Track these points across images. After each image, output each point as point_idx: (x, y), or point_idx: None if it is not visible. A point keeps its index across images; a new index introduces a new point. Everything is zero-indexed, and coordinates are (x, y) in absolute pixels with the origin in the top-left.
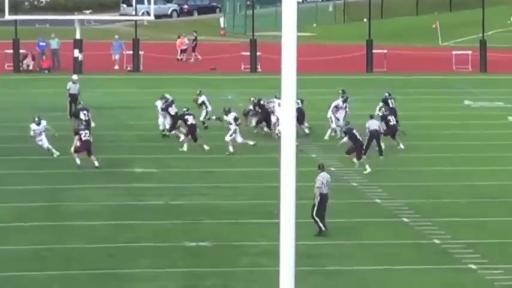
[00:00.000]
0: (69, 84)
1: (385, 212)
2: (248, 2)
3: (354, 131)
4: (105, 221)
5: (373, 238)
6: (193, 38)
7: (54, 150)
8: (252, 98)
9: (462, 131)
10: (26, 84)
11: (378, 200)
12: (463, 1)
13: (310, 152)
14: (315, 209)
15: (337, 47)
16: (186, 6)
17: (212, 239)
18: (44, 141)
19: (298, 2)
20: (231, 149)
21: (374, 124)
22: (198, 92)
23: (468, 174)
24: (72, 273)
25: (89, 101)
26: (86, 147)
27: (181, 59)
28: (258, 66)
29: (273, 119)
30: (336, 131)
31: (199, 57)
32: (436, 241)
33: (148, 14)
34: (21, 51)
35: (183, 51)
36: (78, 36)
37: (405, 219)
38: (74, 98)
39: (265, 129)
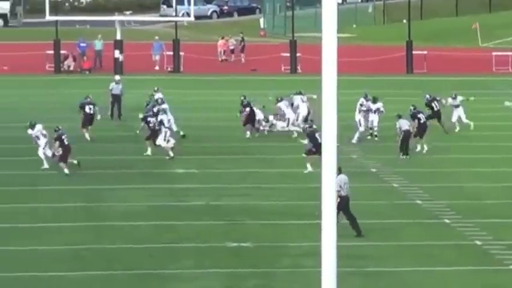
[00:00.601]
0: (112, 85)
1: (426, 213)
2: (288, 3)
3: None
4: (146, 222)
5: (413, 239)
6: (241, 39)
7: (45, 162)
8: (242, 98)
9: (502, 132)
10: (67, 85)
11: (418, 201)
12: (502, 2)
13: (350, 153)
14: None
15: (377, 48)
16: (226, 7)
17: (253, 239)
18: (40, 148)
19: (338, 3)
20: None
21: (405, 124)
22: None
23: (509, 175)
24: (113, 274)
25: (130, 101)
26: (67, 153)
27: (226, 60)
28: (298, 67)
29: (260, 116)
30: (372, 134)
31: (242, 59)
32: (478, 242)
33: (188, 15)
34: (62, 52)
35: (231, 51)
36: (118, 37)
37: (446, 221)
38: (116, 99)
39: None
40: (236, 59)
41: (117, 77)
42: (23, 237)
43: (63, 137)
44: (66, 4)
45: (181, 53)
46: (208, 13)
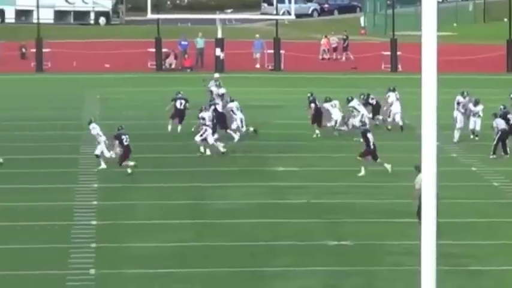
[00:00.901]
0: (211, 83)
1: None
2: (388, 2)
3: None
4: (247, 219)
5: None
6: (345, 37)
7: (102, 162)
8: (308, 94)
9: None
10: (169, 83)
11: None
12: None
13: (450, 152)
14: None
15: (477, 46)
16: (326, 6)
17: (353, 237)
18: (98, 146)
19: (438, 2)
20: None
21: (501, 123)
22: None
23: None
24: (214, 271)
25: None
26: (127, 153)
27: (328, 58)
28: (399, 66)
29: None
30: (473, 133)
31: (351, 57)
32: None
33: (289, 13)
34: (164, 50)
35: (334, 50)
36: (219, 35)
37: None
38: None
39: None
40: (337, 57)
41: (216, 75)
42: (124, 234)
43: (123, 136)
44: (168, 2)
45: (282, 51)
46: (309, 11)
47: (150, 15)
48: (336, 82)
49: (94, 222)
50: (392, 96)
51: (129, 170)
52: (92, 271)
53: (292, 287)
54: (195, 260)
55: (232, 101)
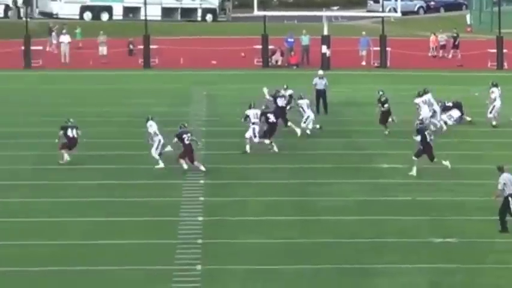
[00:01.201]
0: (315, 80)
1: None
2: None
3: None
4: (352, 216)
5: None
6: (455, 35)
7: (160, 161)
8: (380, 92)
9: None
10: (275, 80)
11: None
12: None
13: None
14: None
15: None
16: (432, 3)
17: (459, 235)
18: (153, 146)
19: None
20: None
21: None
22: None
23: None
24: (320, 268)
25: (336, 97)
26: (187, 152)
27: (435, 56)
28: (505, 64)
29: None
30: None
31: (459, 55)
32: None
33: (395, 10)
34: (270, 47)
35: (442, 47)
36: (325, 32)
37: None
38: (320, 94)
39: None
40: (444, 55)
41: (321, 72)
42: (231, 230)
43: (184, 135)
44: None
45: (388, 49)
46: (415, 8)
47: (256, 12)
48: (442, 80)
49: (200, 218)
50: (495, 92)
51: (184, 166)
52: (198, 267)
53: (397, 284)
54: (301, 257)
55: (302, 98)
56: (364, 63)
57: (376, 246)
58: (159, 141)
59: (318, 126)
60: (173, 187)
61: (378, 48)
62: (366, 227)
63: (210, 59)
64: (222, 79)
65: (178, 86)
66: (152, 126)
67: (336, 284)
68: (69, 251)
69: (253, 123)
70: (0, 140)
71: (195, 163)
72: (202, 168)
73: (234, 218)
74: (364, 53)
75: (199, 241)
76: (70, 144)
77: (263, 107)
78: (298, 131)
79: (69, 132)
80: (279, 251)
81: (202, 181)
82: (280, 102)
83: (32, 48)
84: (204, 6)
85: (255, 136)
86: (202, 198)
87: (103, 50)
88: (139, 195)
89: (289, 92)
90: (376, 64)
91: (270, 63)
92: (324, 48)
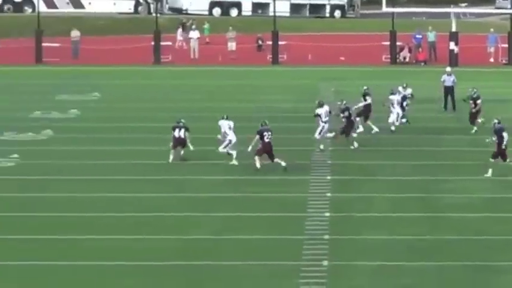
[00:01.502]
0: (444, 77)
1: None
2: None
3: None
4: (479, 213)
5: None
6: None
7: (233, 158)
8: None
9: None
10: (403, 76)
11: None
12: None
13: None
14: None
15: None
16: None
17: None
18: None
19: None
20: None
21: None
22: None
23: None
24: (446, 265)
25: (464, 93)
26: (265, 150)
27: None
28: None
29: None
30: None
31: None
32: None
33: None
34: (398, 43)
35: None
36: (453, 29)
37: None
38: (448, 90)
39: None
40: None
41: (448, 69)
42: (357, 226)
43: (265, 133)
44: None
45: None
46: None
47: (385, 9)
48: None
49: (327, 214)
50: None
51: (258, 165)
52: (325, 263)
53: None
54: (427, 253)
55: (393, 94)
56: (492, 60)
57: (503, 244)
58: (230, 140)
59: (404, 120)
60: (300, 183)
61: (506, 45)
62: (491, 224)
63: (338, 55)
64: (350, 75)
65: (306, 82)
66: (223, 126)
67: (462, 281)
68: (196, 246)
69: (325, 122)
70: (131, 135)
71: (275, 160)
72: (283, 164)
73: (361, 214)
74: (492, 49)
75: (326, 237)
76: (175, 143)
77: (338, 103)
78: (375, 128)
79: (176, 133)
80: (405, 248)
81: (329, 177)
82: (369, 99)
83: (162, 43)
84: (332, 2)
85: (319, 134)
86: (329, 194)
87: (232, 45)
88: (266, 191)
89: (409, 90)
90: (504, 61)
91: (397, 60)
92: (452, 45)
